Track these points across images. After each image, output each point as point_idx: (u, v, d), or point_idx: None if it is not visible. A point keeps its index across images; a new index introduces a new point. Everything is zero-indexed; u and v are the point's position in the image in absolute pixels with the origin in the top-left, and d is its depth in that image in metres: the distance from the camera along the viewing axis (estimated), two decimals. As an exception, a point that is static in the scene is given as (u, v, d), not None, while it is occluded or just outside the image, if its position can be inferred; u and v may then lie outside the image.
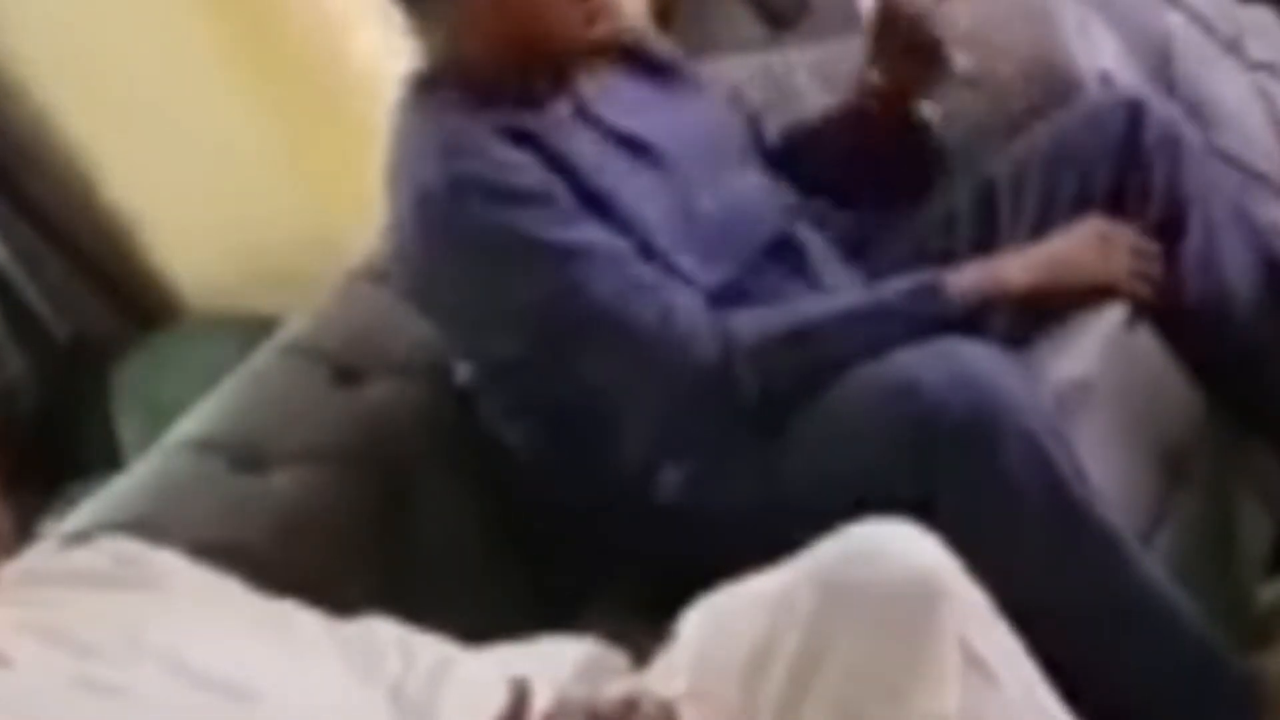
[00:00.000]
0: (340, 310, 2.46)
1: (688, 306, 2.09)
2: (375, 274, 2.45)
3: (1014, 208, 2.33)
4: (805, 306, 2.15)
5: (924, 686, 1.58)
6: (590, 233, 2.11)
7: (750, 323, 2.10)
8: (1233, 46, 2.79)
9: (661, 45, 2.41)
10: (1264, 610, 2.35)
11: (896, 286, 2.13)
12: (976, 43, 2.63)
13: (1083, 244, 2.18)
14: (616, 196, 2.15)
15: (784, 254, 2.24)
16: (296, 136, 3.08)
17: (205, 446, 2.23)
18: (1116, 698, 1.86)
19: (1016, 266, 2.17)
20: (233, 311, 3.07)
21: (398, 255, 2.22)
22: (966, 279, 2.14)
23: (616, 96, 2.26)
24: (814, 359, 2.07)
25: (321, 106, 3.07)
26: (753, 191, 2.28)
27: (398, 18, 2.23)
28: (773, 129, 2.43)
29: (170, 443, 2.27)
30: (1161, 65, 2.67)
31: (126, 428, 3.09)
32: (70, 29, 3.04)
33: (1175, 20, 2.76)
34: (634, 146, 2.21)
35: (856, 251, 2.36)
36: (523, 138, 2.13)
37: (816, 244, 2.30)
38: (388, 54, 3.05)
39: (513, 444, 2.24)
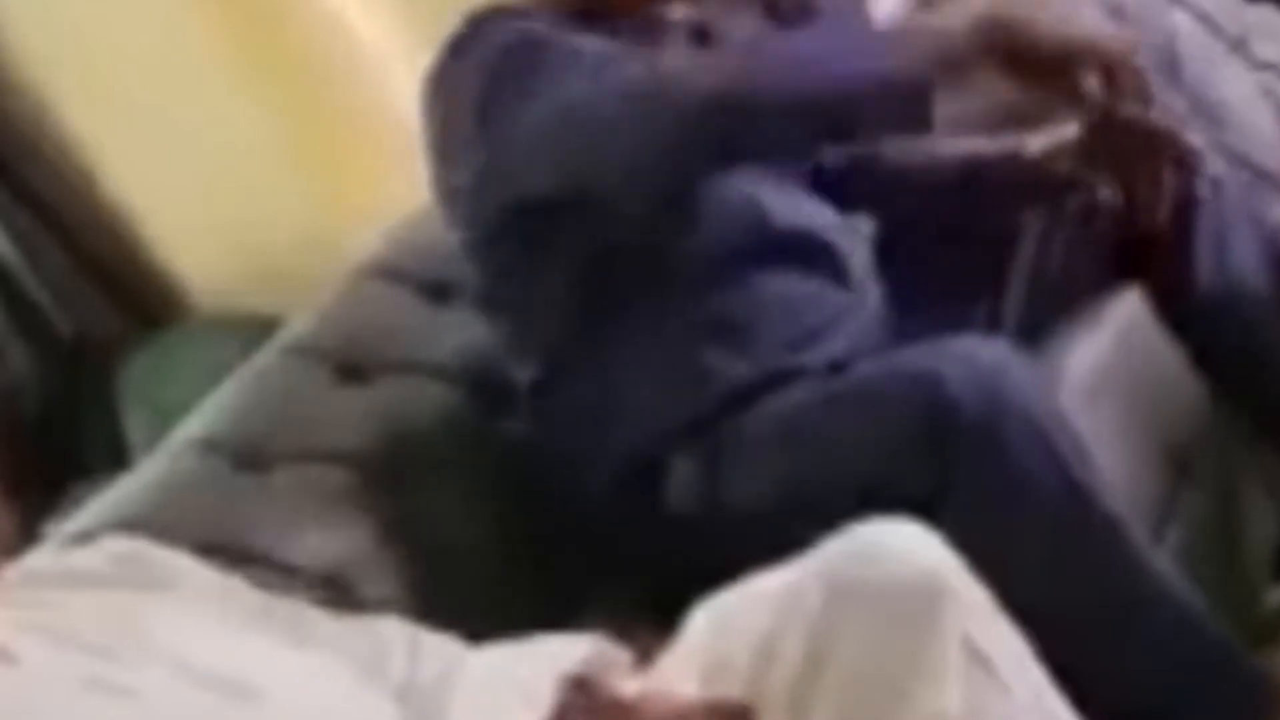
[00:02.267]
0: (344, 309, 2.45)
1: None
2: (379, 272, 2.45)
3: None
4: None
5: (926, 685, 1.58)
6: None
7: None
8: (1238, 46, 2.79)
9: (737, 33, 2.33)
10: (1270, 611, 2.35)
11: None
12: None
13: None
14: None
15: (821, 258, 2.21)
16: (299, 135, 3.09)
17: (209, 446, 2.23)
18: (1122, 696, 1.86)
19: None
20: (236, 311, 3.08)
21: (430, 116, 2.19)
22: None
23: (743, 26, 2.24)
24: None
25: (325, 105, 3.08)
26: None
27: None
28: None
29: (174, 442, 2.27)
30: (1168, 65, 2.67)
31: (131, 427, 3.10)
32: (73, 26, 3.05)
33: (1181, 20, 2.76)
34: None
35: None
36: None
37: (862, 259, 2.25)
38: (391, 52, 3.07)
39: (524, 381, 2.22)
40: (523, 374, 2.23)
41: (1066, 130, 2.22)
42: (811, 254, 2.21)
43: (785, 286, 2.18)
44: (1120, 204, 2.22)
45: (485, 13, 2.21)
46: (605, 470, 2.14)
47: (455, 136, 2.17)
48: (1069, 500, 1.94)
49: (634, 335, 2.14)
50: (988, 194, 2.24)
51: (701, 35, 2.24)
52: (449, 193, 2.22)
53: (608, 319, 2.16)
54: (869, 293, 2.25)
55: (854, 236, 2.26)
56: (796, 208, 2.23)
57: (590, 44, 2.12)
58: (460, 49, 2.18)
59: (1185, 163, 2.17)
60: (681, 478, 2.11)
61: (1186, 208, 2.24)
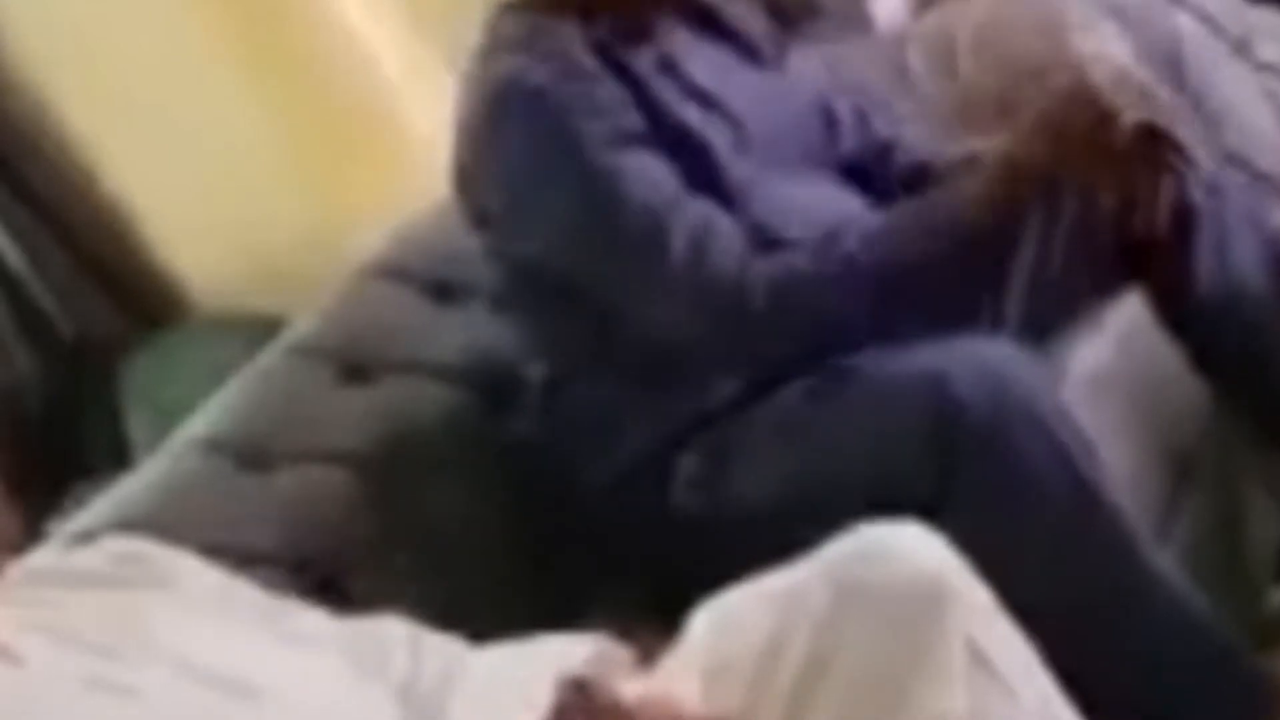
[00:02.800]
0: (346, 309, 2.45)
1: (725, 235, 2.10)
2: (382, 272, 2.45)
3: None
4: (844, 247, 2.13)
5: (930, 686, 1.58)
6: (644, 159, 2.12)
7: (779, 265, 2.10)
8: (1241, 47, 2.79)
9: (753, 24, 2.37)
10: (1273, 613, 2.35)
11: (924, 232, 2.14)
12: (985, 44, 2.64)
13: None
14: (693, 132, 2.16)
15: None
16: (299, 135, 3.09)
17: (212, 446, 2.23)
18: (1123, 695, 1.86)
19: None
20: (239, 311, 3.08)
21: (460, 138, 2.22)
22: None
23: (701, 57, 2.25)
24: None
25: (325, 105, 3.08)
26: (821, 201, 2.26)
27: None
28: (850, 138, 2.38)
29: (176, 442, 2.27)
30: (1171, 67, 2.67)
31: (133, 427, 3.09)
32: (73, 26, 3.05)
33: (1184, 21, 2.76)
34: (714, 107, 2.21)
35: None
36: (609, 58, 2.16)
37: None
38: (392, 53, 3.07)
39: (535, 379, 2.23)
40: (535, 372, 2.23)
41: None
42: None
43: None
44: (1118, 207, 2.22)
45: (514, 11, 2.22)
46: (612, 468, 2.15)
47: (498, 164, 2.19)
48: (1075, 495, 1.94)
49: (651, 329, 2.15)
50: None
51: (707, 19, 2.26)
52: (479, 213, 2.23)
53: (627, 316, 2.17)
54: None
55: None
56: (825, 199, 2.25)
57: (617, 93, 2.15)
58: (504, 45, 2.20)
59: (1182, 166, 2.18)
60: (688, 473, 2.11)
61: (1186, 211, 2.25)
